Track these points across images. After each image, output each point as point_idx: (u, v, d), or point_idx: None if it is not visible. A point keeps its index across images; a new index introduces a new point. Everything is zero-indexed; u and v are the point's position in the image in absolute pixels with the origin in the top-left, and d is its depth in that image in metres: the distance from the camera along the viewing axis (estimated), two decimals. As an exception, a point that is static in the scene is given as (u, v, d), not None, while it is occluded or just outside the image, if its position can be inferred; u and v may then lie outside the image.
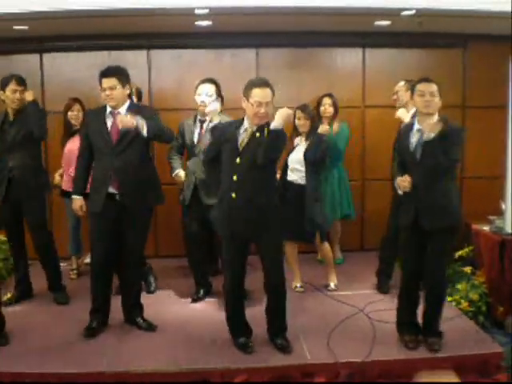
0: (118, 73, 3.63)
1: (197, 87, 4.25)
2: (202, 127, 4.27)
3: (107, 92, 3.58)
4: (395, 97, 4.57)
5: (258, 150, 3.24)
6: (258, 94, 3.24)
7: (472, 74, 5.60)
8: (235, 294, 3.52)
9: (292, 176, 4.38)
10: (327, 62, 5.69)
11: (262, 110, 3.24)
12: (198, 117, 4.29)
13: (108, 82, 3.58)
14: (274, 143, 3.23)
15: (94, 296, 3.80)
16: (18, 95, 4.04)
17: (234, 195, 3.32)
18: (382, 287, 4.55)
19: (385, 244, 4.61)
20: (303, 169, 4.34)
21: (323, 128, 4.59)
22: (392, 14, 4.62)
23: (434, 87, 3.35)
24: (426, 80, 3.40)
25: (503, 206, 4.51)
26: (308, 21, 4.90)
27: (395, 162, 3.81)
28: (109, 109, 3.67)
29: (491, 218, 4.70)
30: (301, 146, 4.42)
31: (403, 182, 3.39)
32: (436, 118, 3.34)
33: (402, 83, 4.53)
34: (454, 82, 5.51)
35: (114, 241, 3.74)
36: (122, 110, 3.65)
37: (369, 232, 5.69)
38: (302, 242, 4.59)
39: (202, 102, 4.18)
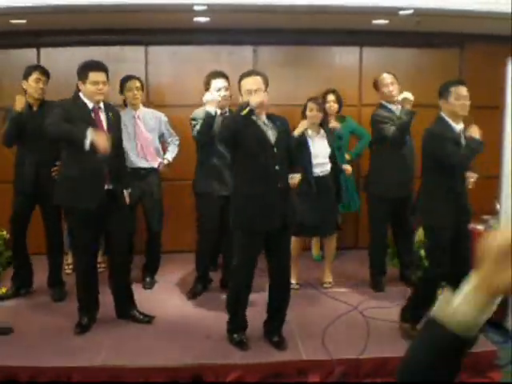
0: (107, 68, 3.63)
1: (209, 82, 4.26)
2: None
3: (100, 86, 3.55)
4: (391, 88, 4.44)
5: (288, 141, 3.46)
6: (246, 83, 3.32)
7: (468, 74, 5.59)
8: (247, 291, 3.51)
9: (317, 169, 4.38)
10: (325, 61, 5.71)
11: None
12: (218, 110, 4.22)
13: (101, 76, 3.56)
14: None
15: (81, 295, 3.80)
16: (41, 85, 4.07)
17: (280, 185, 3.37)
18: (377, 285, 4.58)
19: (375, 243, 4.65)
20: (327, 161, 4.40)
21: (333, 124, 4.69)
22: (390, 13, 4.63)
23: (466, 90, 3.49)
24: (462, 83, 3.53)
25: (498, 206, 4.53)
26: (306, 19, 4.90)
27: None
28: (91, 104, 3.60)
29: (485, 217, 4.72)
30: (319, 139, 4.40)
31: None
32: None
33: (388, 75, 4.49)
34: (451, 81, 5.52)
35: (98, 238, 3.77)
36: (101, 105, 3.65)
37: (364, 230, 5.69)
38: (326, 234, 4.63)
39: (224, 96, 4.21)
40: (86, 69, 3.57)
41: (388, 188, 4.41)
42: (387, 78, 4.50)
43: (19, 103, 3.96)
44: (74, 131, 3.41)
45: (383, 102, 4.50)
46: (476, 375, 3.44)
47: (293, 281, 4.58)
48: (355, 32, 5.40)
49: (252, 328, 3.61)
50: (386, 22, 4.99)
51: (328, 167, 4.41)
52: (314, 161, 4.35)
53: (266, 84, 3.34)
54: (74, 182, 3.59)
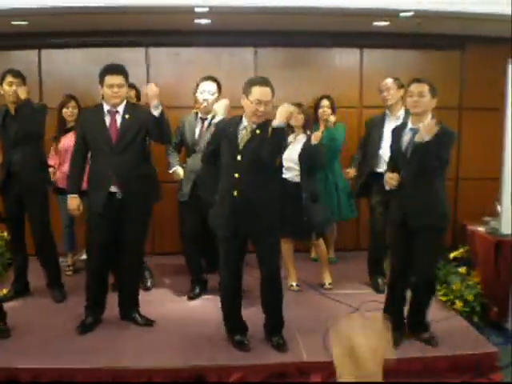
0: (124, 71, 3.65)
1: (198, 85, 4.25)
2: (203, 125, 4.25)
3: (115, 89, 3.56)
4: (386, 94, 4.45)
5: (263, 148, 3.23)
6: (258, 92, 3.23)
7: (469, 76, 5.63)
8: (232, 293, 3.52)
9: (287, 174, 4.32)
10: (325, 62, 5.71)
11: (261, 109, 3.23)
12: (199, 114, 4.28)
13: (117, 79, 3.58)
14: (279, 141, 3.26)
15: (89, 293, 3.81)
16: (14, 87, 4.02)
17: (236, 193, 3.30)
18: (377, 286, 4.58)
19: (372, 243, 4.66)
20: (297, 167, 4.33)
21: (316, 136, 4.37)
22: (390, 14, 4.64)
23: (423, 87, 3.36)
24: (417, 80, 3.41)
25: (499, 208, 4.54)
26: (307, 21, 4.90)
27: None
28: (107, 107, 3.63)
29: (486, 219, 4.73)
30: (294, 144, 4.37)
31: (391, 180, 3.45)
32: (429, 117, 3.35)
33: (390, 80, 4.47)
34: (451, 83, 5.53)
35: (112, 240, 3.74)
36: (120, 108, 3.65)
37: (364, 231, 5.69)
38: (299, 239, 4.60)
39: (205, 99, 4.18)
40: (103, 73, 3.60)
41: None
42: (385, 83, 4.48)
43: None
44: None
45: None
46: (477, 376, 3.44)
47: (292, 282, 4.60)
48: (356, 34, 5.41)
49: (254, 329, 3.61)
50: (387, 23, 4.99)
51: (296, 173, 4.35)
52: (285, 164, 4.24)
53: (273, 96, 3.30)
54: (90, 183, 3.76)
